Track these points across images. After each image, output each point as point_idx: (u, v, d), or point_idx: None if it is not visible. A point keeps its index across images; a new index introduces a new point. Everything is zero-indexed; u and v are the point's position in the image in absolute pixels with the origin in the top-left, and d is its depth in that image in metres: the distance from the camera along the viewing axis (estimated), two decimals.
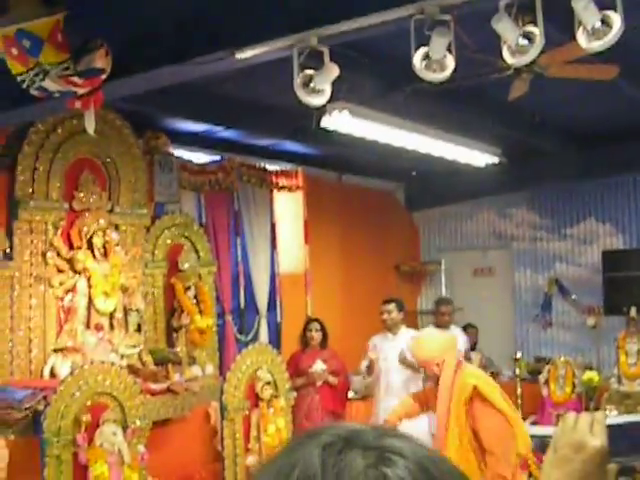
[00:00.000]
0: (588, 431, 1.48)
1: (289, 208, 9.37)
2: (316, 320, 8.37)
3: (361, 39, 5.42)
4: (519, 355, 9.82)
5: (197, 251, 7.63)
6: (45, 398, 5.69)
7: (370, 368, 7.94)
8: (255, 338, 8.49)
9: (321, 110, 6.37)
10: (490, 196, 11.13)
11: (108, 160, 6.95)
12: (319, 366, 7.97)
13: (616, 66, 6.25)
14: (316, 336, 8.15)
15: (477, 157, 8.92)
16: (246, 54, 4.05)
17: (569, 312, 10.76)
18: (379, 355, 8.01)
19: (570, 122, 9.43)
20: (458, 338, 8.51)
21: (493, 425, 5.17)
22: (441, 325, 8.85)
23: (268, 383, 6.83)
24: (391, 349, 8.05)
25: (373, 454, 0.86)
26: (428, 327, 8.59)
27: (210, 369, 7.37)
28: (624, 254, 10.31)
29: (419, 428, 7.36)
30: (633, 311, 9.54)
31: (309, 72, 4.11)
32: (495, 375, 9.64)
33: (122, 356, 6.58)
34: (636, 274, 10.03)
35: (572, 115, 9.01)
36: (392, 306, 8.30)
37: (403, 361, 7.83)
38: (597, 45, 3.60)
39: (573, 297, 10.71)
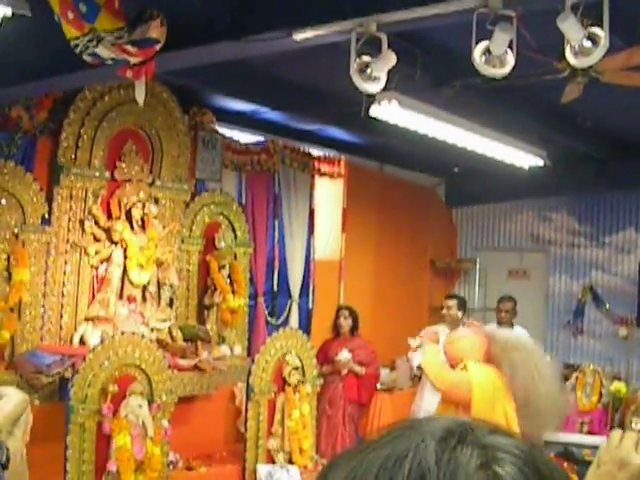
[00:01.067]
0: (633, 449, 1.48)
1: (329, 195, 9.32)
2: (346, 307, 8.35)
3: (415, 30, 5.38)
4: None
5: (234, 231, 7.61)
6: (73, 365, 5.71)
7: None
8: (286, 322, 8.47)
9: (370, 99, 6.31)
10: (531, 198, 11.04)
11: (153, 132, 6.94)
12: (344, 355, 7.95)
13: None
14: (344, 323, 8.13)
15: (521, 158, 8.81)
16: (304, 35, 4.00)
17: (601, 321, 10.65)
18: None
19: (618, 130, 9.31)
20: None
21: None
22: (501, 322, 8.84)
23: (296, 368, 6.81)
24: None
25: (485, 452, 0.83)
26: (491, 324, 8.67)
27: (238, 349, 7.36)
28: None
29: None
30: None
31: (366, 59, 4.06)
32: None
33: (152, 330, 6.58)
34: None
35: (621, 123, 8.90)
36: (453, 302, 8.33)
37: None
38: None
39: (607, 306, 10.59)
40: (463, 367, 5.43)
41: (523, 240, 11.36)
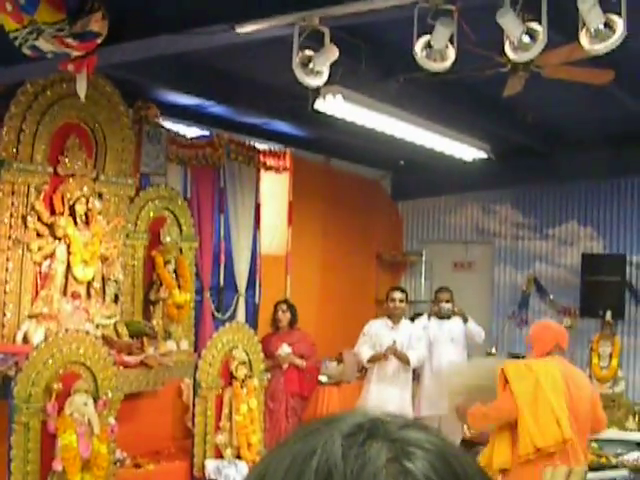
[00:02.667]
0: None
1: (275, 188, 9.31)
2: (284, 301, 8.37)
3: (359, 24, 5.39)
4: (493, 350, 9.88)
5: (180, 225, 7.57)
6: (17, 364, 5.63)
7: (375, 357, 8.03)
8: (232, 317, 8.45)
9: (315, 93, 6.32)
10: (475, 191, 11.14)
11: (96, 127, 6.86)
12: (284, 349, 7.97)
13: (611, 70, 6.24)
14: (283, 317, 8.15)
15: (466, 151, 8.89)
16: (246, 29, 4.00)
17: (545, 311, 10.79)
18: (374, 341, 8.10)
19: (560, 124, 9.44)
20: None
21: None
22: (440, 314, 8.96)
23: (243, 363, 6.80)
24: (389, 338, 8.11)
25: (395, 447, 0.82)
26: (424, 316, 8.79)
27: (185, 345, 7.33)
28: (603, 258, 10.35)
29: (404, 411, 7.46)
30: (608, 315, 9.61)
31: (309, 53, 4.06)
32: None
33: (97, 326, 6.52)
34: (613, 279, 10.07)
35: (563, 117, 9.02)
36: (402, 295, 8.41)
37: (396, 355, 7.93)
38: (599, 47, 3.58)
39: (550, 297, 10.74)
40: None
41: (468, 232, 11.47)
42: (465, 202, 11.41)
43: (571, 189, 10.65)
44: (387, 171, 11.56)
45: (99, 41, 4.22)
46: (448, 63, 3.94)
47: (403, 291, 8.63)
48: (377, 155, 10.33)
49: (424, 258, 11.61)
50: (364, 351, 8.22)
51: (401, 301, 8.32)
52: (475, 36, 5.34)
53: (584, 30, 3.59)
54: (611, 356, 9.42)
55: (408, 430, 0.85)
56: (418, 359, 8.28)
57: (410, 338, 8.19)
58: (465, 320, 9.02)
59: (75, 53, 4.26)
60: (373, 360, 8.17)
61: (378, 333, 8.17)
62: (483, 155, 9.08)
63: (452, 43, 3.98)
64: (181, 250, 7.51)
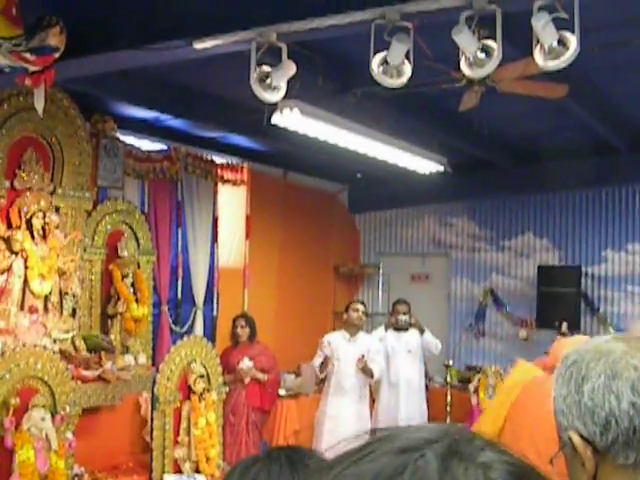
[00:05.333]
0: None
1: (232, 202, 9.32)
2: (243, 316, 8.36)
3: (317, 39, 5.44)
4: (450, 362, 9.95)
5: (137, 239, 7.56)
6: None
7: (324, 365, 8.01)
8: (190, 330, 8.44)
9: (272, 106, 6.35)
10: (432, 204, 11.24)
11: (53, 140, 6.84)
12: (246, 363, 7.96)
13: (565, 85, 6.35)
14: (242, 332, 8.14)
15: (422, 164, 8.96)
16: (204, 44, 4.02)
17: (502, 323, 10.90)
18: (333, 354, 8.09)
19: (516, 137, 9.58)
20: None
21: None
22: (398, 326, 8.98)
23: (201, 376, 6.78)
24: (347, 351, 8.11)
25: (483, 471, 0.82)
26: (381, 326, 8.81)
27: (143, 359, 7.30)
28: (558, 270, 10.47)
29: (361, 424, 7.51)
30: (564, 326, 9.71)
31: (266, 68, 4.10)
32: (428, 381, 9.76)
33: (55, 340, 6.48)
34: (569, 290, 10.18)
35: (519, 131, 9.16)
36: (363, 307, 8.41)
37: (363, 368, 7.94)
38: (553, 64, 3.66)
39: (507, 308, 10.85)
40: None
41: (425, 245, 11.55)
42: (422, 215, 11.50)
43: (527, 201, 10.77)
44: (345, 184, 11.63)
45: (57, 55, 4.22)
46: (404, 79, 4.00)
47: (363, 303, 8.67)
48: (335, 168, 10.39)
49: (381, 270, 11.68)
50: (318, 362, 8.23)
51: (363, 313, 8.35)
52: (431, 51, 5.44)
53: (538, 47, 3.66)
54: None
55: (488, 451, 0.85)
56: (380, 372, 8.31)
57: (369, 351, 8.21)
58: (422, 332, 9.07)
59: (33, 67, 4.25)
60: (322, 367, 8.14)
61: (336, 346, 8.18)
62: (440, 168, 9.16)
63: (408, 59, 4.03)
64: (139, 264, 7.50)
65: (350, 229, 11.86)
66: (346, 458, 0.85)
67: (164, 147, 8.32)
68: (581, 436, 1.42)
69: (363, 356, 7.99)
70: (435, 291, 11.39)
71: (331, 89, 6.89)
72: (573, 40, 3.64)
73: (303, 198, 10.61)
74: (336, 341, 8.25)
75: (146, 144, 8.19)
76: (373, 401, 8.89)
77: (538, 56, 3.66)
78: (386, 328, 9.15)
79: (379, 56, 3.90)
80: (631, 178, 10.11)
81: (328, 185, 11.32)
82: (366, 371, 8.03)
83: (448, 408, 9.64)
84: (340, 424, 7.90)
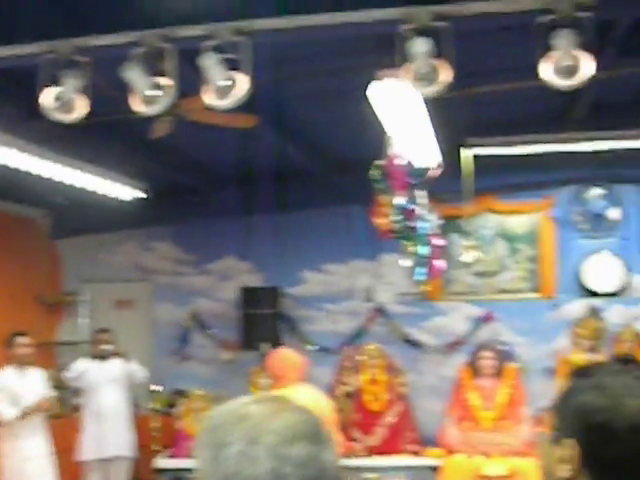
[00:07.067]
0: None
1: None
2: None
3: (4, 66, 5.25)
4: (155, 388, 9.89)
5: None
6: None
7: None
8: None
9: None
10: (135, 229, 11.15)
11: None
12: None
13: (255, 116, 6.55)
14: None
15: (121, 190, 8.90)
16: None
17: (207, 346, 10.96)
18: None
19: (215, 163, 9.74)
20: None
21: None
22: (99, 355, 8.82)
23: None
24: (21, 387, 7.83)
25: None
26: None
27: None
28: (260, 291, 10.66)
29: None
30: (265, 348, 9.95)
31: None
32: (135, 408, 9.64)
33: None
34: (270, 311, 10.42)
35: (217, 156, 9.32)
36: (28, 339, 8.13)
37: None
38: (224, 103, 3.74)
39: (211, 331, 10.93)
40: None
41: (129, 270, 11.39)
42: (125, 240, 11.35)
43: (229, 225, 10.89)
44: (45, 210, 11.26)
45: None
46: (78, 114, 3.94)
47: (26, 335, 8.30)
48: (33, 194, 10.04)
49: (86, 297, 11.41)
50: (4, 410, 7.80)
51: (27, 346, 8.07)
52: (117, 81, 5.42)
53: (208, 86, 3.74)
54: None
55: None
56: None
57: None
58: (126, 360, 8.97)
59: None
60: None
61: (9, 384, 7.87)
62: (140, 194, 9.13)
63: (84, 92, 3.98)
64: None
65: (51, 256, 11.48)
66: None
67: None
68: None
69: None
70: (140, 317, 11.28)
71: (20, 116, 6.68)
72: (244, 79, 3.75)
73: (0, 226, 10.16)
74: (7, 379, 7.95)
75: None
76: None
77: (208, 95, 3.73)
78: (91, 357, 8.98)
79: (51, 91, 3.83)
80: (325, 201, 10.57)
81: (26, 211, 10.92)
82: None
83: (154, 434, 9.59)
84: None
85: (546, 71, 3.70)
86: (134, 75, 3.69)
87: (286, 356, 6.23)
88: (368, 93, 5.06)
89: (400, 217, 5.86)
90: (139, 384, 9.31)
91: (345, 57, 6.08)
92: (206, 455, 1.43)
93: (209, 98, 3.74)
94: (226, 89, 3.70)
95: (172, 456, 9.37)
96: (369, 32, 4.81)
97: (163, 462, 9.34)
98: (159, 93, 3.82)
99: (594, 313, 9.90)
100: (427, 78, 3.58)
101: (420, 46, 3.49)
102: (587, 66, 3.53)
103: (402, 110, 5.34)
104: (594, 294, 10.04)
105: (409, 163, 6.21)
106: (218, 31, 3.71)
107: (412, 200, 6.15)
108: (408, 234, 5.97)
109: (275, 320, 10.48)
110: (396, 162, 6.21)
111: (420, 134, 5.96)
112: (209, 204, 10.63)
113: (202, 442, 1.45)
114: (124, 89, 5.43)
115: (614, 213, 10.19)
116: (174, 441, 9.55)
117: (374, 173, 6.29)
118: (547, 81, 3.72)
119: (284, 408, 1.46)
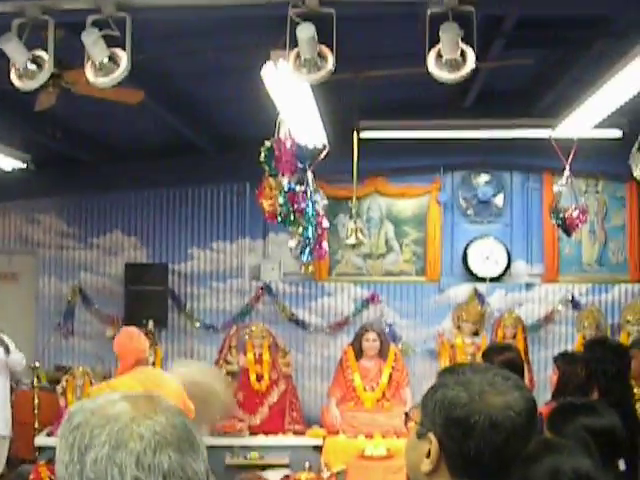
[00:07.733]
0: None
1: None
2: None
3: None
4: (37, 364, 9.66)
5: None
6: None
7: None
8: None
9: None
10: (18, 200, 10.83)
11: None
12: None
13: (141, 91, 6.43)
14: None
15: (4, 161, 8.62)
16: None
17: (91, 322, 10.78)
18: None
19: (103, 135, 9.56)
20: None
21: None
22: None
23: None
24: None
25: None
26: None
27: None
28: (145, 267, 10.55)
29: None
30: (150, 324, 9.87)
31: None
32: (15, 384, 9.41)
33: None
34: (156, 288, 10.32)
35: (105, 129, 9.15)
36: None
37: None
38: (103, 81, 3.65)
39: (96, 307, 10.76)
40: None
41: (12, 242, 11.08)
42: (8, 211, 11.01)
43: (115, 199, 10.74)
44: None
45: None
46: None
47: None
48: None
49: None
50: None
51: None
52: None
53: (89, 62, 3.64)
54: (154, 364, 9.64)
55: None
56: None
57: None
58: (7, 351, 8.60)
59: None
60: None
61: None
62: (22, 165, 8.86)
63: None
64: None
65: None
66: None
67: None
68: None
69: None
70: (22, 291, 10.99)
71: None
72: (124, 57, 3.66)
73: None
74: None
75: None
76: None
77: (89, 72, 3.64)
78: None
79: None
80: (216, 178, 10.51)
81: None
82: None
83: (36, 411, 9.38)
84: None
85: (432, 63, 3.73)
86: (11, 47, 3.56)
87: (131, 336, 6.02)
88: (262, 72, 5.03)
89: (285, 200, 5.85)
90: (19, 371, 9.02)
91: (241, 35, 6.03)
92: (70, 456, 1.34)
93: (90, 74, 3.64)
94: (107, 66, 3.62)
95: (53, 434, 9.15)
96: (261, 14, 4.77)
97: (43, 440, 9.11)
98: (34, 68, 3.70)
99: (477, 297, 10.13)
100: (310, 64, 3.57)
101: (305, 31, 3.47)
102: (469, 60, 3.57)
103: (291, 92, 5.32)
104: (478, 279, 10.26)
105: (297, 145, 6.20)
106: (101, 5, 3.61)
107: (299, 182, 6.15)
108: (293, 218, 5.96)
109: (161, 297, 10.38)
110: (285, 143, 6.19)
111: (308, 116, 5.95)
112: (97, 177, 10.44)
113: (66, 440, 1.36)
114: (7, 59, 5.31)
115: (499, 199, 10.42)
116: (56, 418, 9.33)
117: (262, 154, 6.26)
118: (432, 73, 3.76)
119: (154, 410, 1.38)
